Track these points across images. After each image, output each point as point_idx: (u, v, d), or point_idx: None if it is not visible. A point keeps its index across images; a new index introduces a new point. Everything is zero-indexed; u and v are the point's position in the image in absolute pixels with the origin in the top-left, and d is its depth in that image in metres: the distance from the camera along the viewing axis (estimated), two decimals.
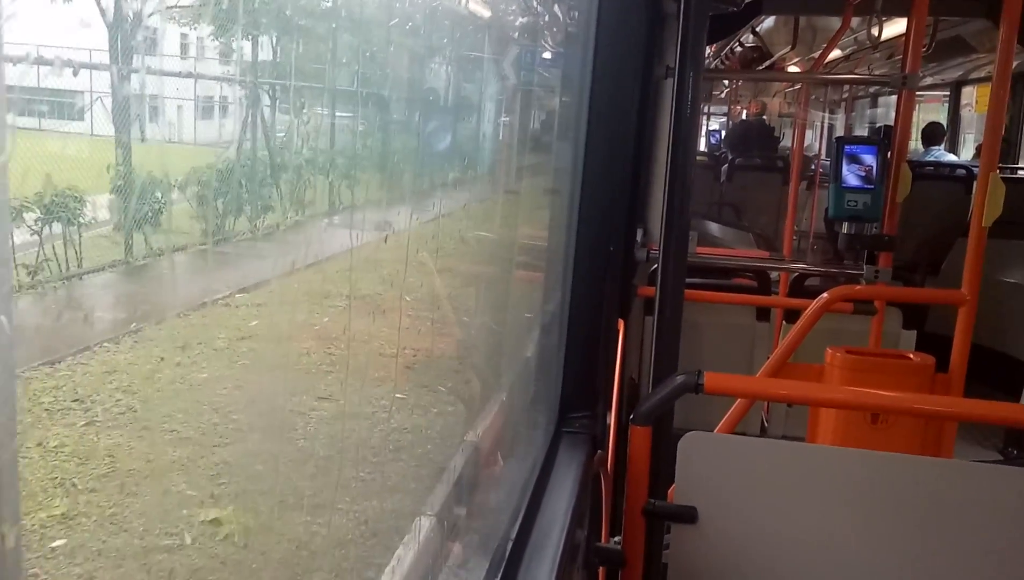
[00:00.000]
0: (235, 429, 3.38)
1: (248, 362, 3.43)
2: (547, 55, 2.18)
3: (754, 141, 9.64)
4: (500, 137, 2.28)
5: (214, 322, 3.47)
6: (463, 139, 2.10)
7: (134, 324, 3.10)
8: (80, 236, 2.39)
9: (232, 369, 3.55)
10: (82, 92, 2.05)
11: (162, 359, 3.42)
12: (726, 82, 14.60)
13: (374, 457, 2.08)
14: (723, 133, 13.27)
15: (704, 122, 16.32)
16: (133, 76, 1.95)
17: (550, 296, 2.06)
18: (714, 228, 6.18)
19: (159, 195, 2.22)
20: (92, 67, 1.86)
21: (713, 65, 9.86)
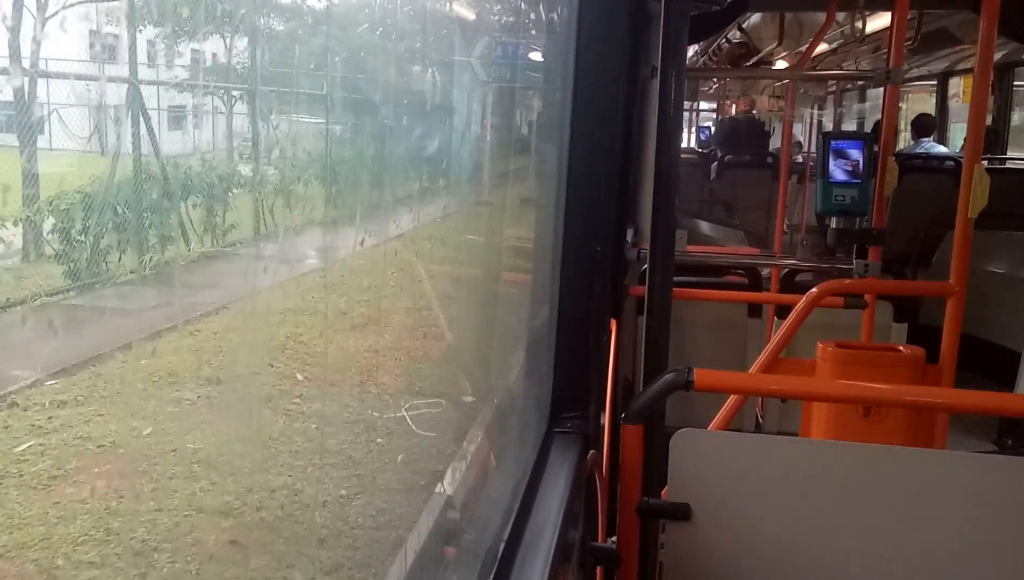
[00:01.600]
0: None
1: None
2: (528, 56, 2.18)
3: (744, 137, 9.64)
4: (483, 140, 2.24)
5: None
6: (441, 144, 2.00)
7: None
8: None
9: None
10: None
11: None
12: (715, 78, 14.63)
13: None
14: (712, 128, 13.26)
15: (694, 119, 16.39)
16: None
17: (538, 304, 2.05)
18: (705, 226, 6.19)
19: None
20: None
21: (701, 62, 9.88)
